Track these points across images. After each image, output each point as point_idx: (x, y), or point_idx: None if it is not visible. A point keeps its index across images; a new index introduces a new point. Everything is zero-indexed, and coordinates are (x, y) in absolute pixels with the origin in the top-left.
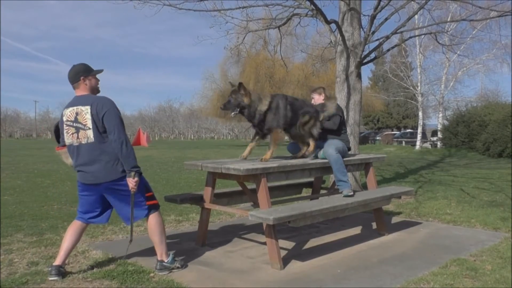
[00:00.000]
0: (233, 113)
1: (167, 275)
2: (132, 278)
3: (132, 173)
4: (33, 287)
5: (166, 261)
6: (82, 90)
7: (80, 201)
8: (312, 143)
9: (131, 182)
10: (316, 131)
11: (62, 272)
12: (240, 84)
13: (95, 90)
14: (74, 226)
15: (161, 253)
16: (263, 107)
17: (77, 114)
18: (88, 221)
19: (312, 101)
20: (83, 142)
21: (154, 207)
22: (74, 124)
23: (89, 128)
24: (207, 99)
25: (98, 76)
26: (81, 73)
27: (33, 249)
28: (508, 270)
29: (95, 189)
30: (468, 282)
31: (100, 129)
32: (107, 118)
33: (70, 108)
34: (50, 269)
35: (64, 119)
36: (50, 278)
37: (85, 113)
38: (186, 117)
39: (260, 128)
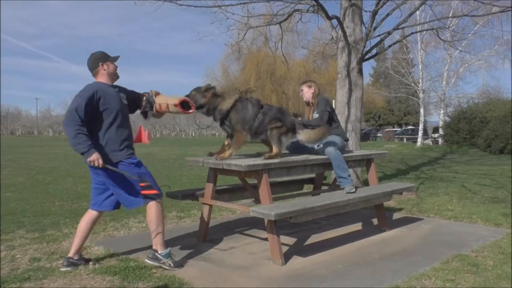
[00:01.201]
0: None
1: (170, 271)
2: (134, 274)
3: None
4: (35, 283)
5: (159, 252)
6: (101, 77)
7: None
8: (275, 149)
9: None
10: (285, 140)
11: (72, 263)
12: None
13: (113, 75)
14: (86, 217)
15: (156, 243)
16: (225, 106)
17: None
18: (97, 207)
19: (300, 94)
20: None
21: (151, 197)
22: None
23: None
24: None
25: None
26: (100, 59)
27: (35, 245)
28: (509, 265)
29: (91, 169)
30: (470, 277)
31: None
32: None
33: None
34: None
35: None
36: (62, 269)
37: None
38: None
39: (224, 127)
